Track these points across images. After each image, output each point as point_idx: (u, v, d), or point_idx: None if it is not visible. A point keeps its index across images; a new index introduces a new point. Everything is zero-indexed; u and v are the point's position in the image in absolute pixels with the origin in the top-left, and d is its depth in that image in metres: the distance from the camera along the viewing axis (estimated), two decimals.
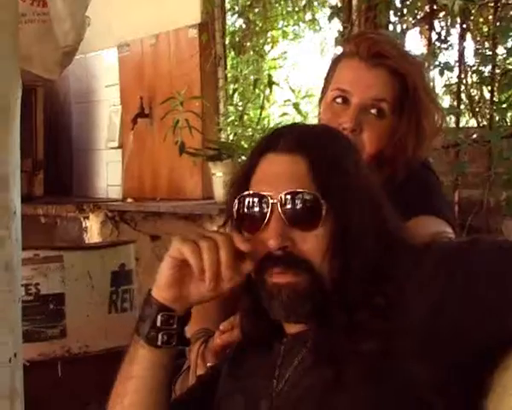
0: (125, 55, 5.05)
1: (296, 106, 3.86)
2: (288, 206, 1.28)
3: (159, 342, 1.29)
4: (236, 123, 4.26)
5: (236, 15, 4.62)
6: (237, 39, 4.55)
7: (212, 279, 1.23)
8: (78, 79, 5.45)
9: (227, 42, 4.54)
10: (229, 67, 4.54)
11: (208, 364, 1.98)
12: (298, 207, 1.28)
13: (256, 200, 1.30)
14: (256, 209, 1.30)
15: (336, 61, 1.96)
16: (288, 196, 1.28)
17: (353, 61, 1.88)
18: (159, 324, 1.29)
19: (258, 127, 4.11)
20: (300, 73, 4.26)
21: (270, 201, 1.28)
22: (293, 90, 3.96)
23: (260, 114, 4.16)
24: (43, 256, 2.94)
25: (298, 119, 3.91)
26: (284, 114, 3.99)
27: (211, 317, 2.15)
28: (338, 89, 1.87)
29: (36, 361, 2.98)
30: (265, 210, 1.28)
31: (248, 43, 4.53)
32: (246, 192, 1.31)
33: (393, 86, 1.82)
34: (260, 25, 4.52)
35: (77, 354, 2.95)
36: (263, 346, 1.37)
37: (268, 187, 1.29)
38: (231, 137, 4.32)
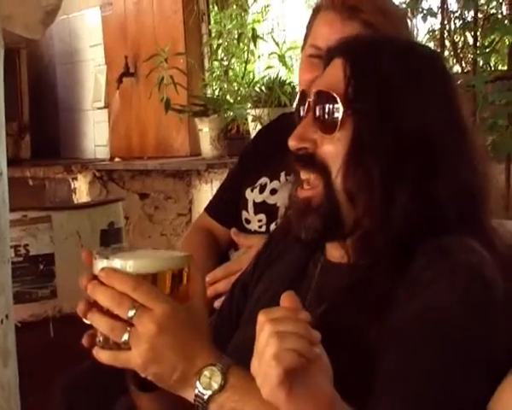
0: (107, 15, 5.00)
1: (281, 58, 3.84)
2: (317, 105, 1.29)
3: None
4: (221, 78, 4.24)
5: None
6: None
7: None
8: (61, 40, 5.40)
9: None
10: (212, 22, 4.50)
11: None
12: (321, 107, 1.28)
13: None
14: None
15: (315, 13, 1.99)
16: (317, 96, 1.30)
17: (328, 15, 1.91)
18: None
19: (244, 81, 4.10)
20: (284, 25, 4.23)
21: (308, 99, 1.31)
22: (277, 43, 3.93)
23: (245, 69, 4.14)
24: (32, 217, 2.93)
25: (283, 71, 3.89)
26: (269, 67, 3.97)
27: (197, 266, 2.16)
28: (313, 45, 1.94)
29: (27, 322, 2.99)
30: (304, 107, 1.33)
31: None
32: None
33: None
34: None
35: (68, 313, 2.94)
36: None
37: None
38: (217, 93, 4.31)
